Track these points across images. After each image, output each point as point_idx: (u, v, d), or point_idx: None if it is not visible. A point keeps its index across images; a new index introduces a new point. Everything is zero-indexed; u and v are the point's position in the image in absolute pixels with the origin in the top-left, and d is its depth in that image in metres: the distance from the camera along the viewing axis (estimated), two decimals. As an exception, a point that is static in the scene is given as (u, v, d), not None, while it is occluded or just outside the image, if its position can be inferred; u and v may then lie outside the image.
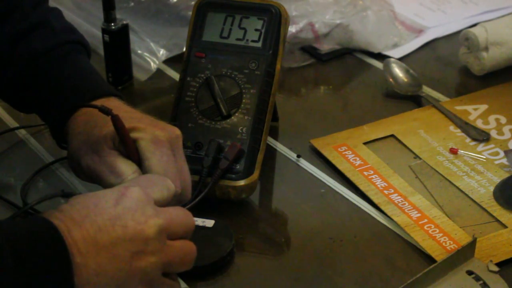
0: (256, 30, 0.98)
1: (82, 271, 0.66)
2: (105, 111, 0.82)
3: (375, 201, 0.95)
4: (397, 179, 0.98)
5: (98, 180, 0.84)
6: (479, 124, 1.09)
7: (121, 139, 0.83)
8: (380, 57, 1.27)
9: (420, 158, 1.03)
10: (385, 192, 0.96)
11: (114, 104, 0.88)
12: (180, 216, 0.74)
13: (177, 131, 0.86)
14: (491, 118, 1.10)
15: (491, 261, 0.84)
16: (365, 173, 0.99)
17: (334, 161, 1.02)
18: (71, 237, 0.67)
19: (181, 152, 0.86)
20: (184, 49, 1.05)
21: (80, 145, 0.86)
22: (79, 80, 0.92)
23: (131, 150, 0.83)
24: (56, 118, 0.90)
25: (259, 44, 0.97)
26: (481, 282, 0.82)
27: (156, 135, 0.83)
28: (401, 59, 1.25)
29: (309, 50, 1.28)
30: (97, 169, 0.84)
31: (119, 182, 0.80)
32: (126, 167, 0.82)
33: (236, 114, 0.95)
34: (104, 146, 0.84)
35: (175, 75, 1.22)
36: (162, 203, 0.74)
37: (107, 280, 0.68)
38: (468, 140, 1.06)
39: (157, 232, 0.70)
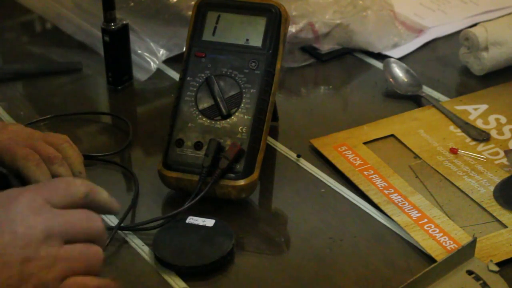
0: (256, 29, 0.98)
1: None
2: None
3: (375, 201, 0.95)
4: (397, 179, 0.98)
5: None
6: (479, 124, 1.09)
7: None
8: (380, 57, 1.26)
9: (420, 158, 1.03)
10: (385, 192, 0.96)
11: None
12: (81, 219, 0.70)
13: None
14: (491, 118, 1.10)
15: (491, 261, 0.84)
16: (365, 173, 0.99)
17: (334, 161, 1.02)
18: None
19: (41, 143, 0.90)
20: (184, 49, 1.05)
21: None
22: None
23: None
24: None
25: (259, 44, 0.97)
26: (481, 282, 0.82)
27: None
28: (401, 59, 1.25)
29: (309, 50, 1.28)
30: None
31: None
32: None
33: (236, 114, 0.95)
34: None
35: (175, 75, 1.22)
36: (65, 206, 0.71)
37: None
38: (468, 140, 1.06)
39: (47, 236, 0.67)
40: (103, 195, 0.74)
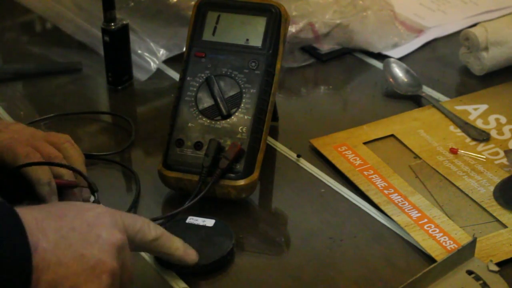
0: (256, 29, 0.98)
1: (46, 256, 0.67)
2: None
3: (375, 201, 0.95)
4: (397, 179, 0.98)
5: None
6: (479, 124, 1.09)
7: None
8: (380, 57, 1.27)
9: (420, 158, 1.03)
10: (385, 192, 0.96)
11: None
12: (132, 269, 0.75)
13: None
14: (491, 118, 1.10)
15: (491, 260, 0.84)
16: (365, 173, 0.99)
17: (334, 161, 1.02)
18: (41, 224, 0.68)
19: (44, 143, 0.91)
20: (184, 49, 1.05)
21: None
22: None
23: None
24: None
25: (259, 44, 0.97)
26: (481, 282, 0.82)
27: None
28: (401, 59, 1.25)
29: (309, 50, 1.28)
30: None
31: None
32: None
33: (236, 114, 0.95)
34: None
35: (175, 75, 1.22)
36: (134, 241, 0.76)
37: (67, 274, 0.68)
38: (468, 140, 1.06)
39: (120, 252, 0.72)
40: (175, 243, 0.81)
